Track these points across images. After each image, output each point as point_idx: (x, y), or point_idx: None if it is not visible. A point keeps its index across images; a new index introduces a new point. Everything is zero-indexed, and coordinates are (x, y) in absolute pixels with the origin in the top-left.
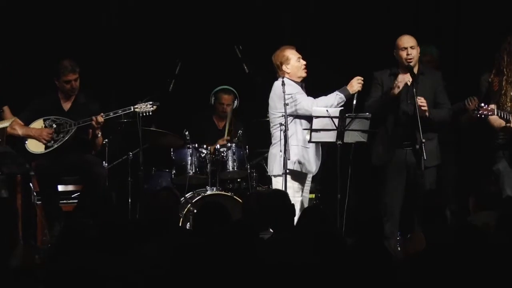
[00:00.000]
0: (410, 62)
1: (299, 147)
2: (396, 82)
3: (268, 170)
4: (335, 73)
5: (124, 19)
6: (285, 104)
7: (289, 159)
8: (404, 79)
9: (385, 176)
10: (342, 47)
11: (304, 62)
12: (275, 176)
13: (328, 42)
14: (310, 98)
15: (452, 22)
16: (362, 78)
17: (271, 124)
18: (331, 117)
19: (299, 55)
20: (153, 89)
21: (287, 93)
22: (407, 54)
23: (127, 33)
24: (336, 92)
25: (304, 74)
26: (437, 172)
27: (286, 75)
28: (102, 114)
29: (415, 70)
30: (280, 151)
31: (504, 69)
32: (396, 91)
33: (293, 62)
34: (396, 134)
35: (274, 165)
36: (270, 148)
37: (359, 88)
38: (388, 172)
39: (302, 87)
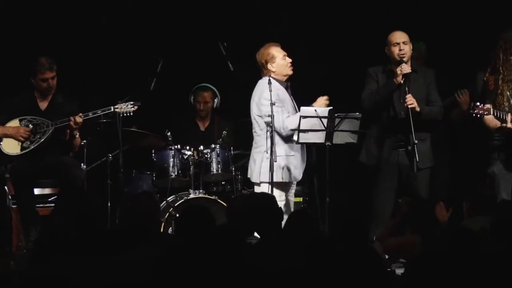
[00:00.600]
0: (403, 57)
1: (282, 157)
2: (399, 69)
3: (250, 176)
4: (328, 71)
5: (104, 16)
6: (272, 104)
7: (275, 161)
8: (408, 68)
9: (376, 177)
10: (335, 46)
11: (290, 60)
12: (258, 183)
13: (322, 41)
14: (282, 116)
15: (444, 18)
16: (328, 98)
17: (254, 127)
18: (320, 117)
19: (285, 53)
20: (134, 88)
21: (267, 99)
22: (400, 50)
23: (107, 30)
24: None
25: (290, 72)
26: (430, 174)
27: (272, 74)
28: (80, 114)
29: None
30: (266, 153)
31: (500, 68)
32: (399, 79)
33: (279, 60)
34: (389, 134)
35: (258, 172)
36: (252, 152)
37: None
38: (380, 173)
39: (287, 87)
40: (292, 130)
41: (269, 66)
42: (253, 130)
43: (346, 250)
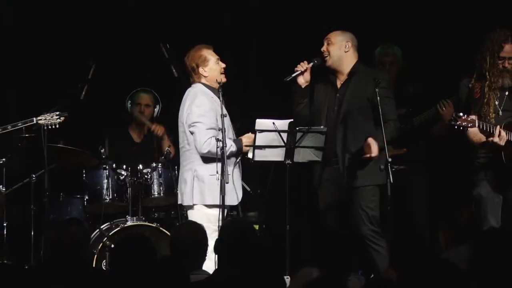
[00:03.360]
0: (325, 59)
1: (215, 176)
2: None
3: (181, 201)
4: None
5: (27, 15)
6: (223, 115)
7: (227, 183)
8: (303, 65)
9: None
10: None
11: (224, 65)
12: (191, 206)
13: (276, 42)
14: (207, 135)
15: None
16: (253, 137)
17: (181, 141)
18: (278, 131)
19: (218, 57)
20: (61, 97)
21: (192, 113)
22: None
23: (30, 32)
24: (231, 142)
25: (224, 79)
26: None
27: (203, 80)
28: None
29: (343, 70)
30: (217, 173)
31: (487, 73)
32: (300, 79)
33: (212, 64)
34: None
35: (190, 193)
36: (181, 172)
37: (246, 149)
38: (320, 194)
39: (219, 95)
40: (210, 153)
41: (200, 70)
42: (181, 145)
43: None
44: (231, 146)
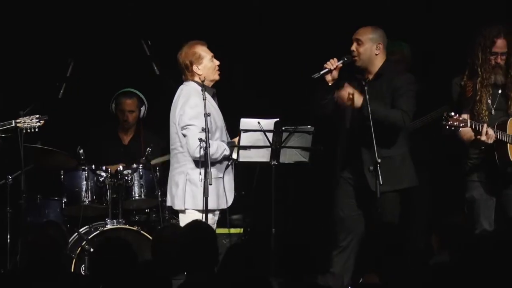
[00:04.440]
0: (354, 57)
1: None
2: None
3: (171, 204)
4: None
5: (1, 9)
6: (206, 114)
7: (210, 184)
8: (332, 63)
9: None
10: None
11: (218, 63)
12: (183, 211)
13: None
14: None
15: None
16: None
17: (173, 143)
18: (264, 131)
19: (212, 54)
20: (38, 96)
21: (184, 114)
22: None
23: (5, 28)
24: (225, 145)
25: (217, 77)
26: (403, 198)
27: (196, 78)
28: None
29: (372, 70)
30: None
31: (479, 69)
32: (328, 77)
33: (206, 62)
34: (344, 152)
35: (182, 197)
36: (172, 174)
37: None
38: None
39: (214, 94)
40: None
41: (194, 68)
42: (173, 147)
43: None
44: (224, 150)
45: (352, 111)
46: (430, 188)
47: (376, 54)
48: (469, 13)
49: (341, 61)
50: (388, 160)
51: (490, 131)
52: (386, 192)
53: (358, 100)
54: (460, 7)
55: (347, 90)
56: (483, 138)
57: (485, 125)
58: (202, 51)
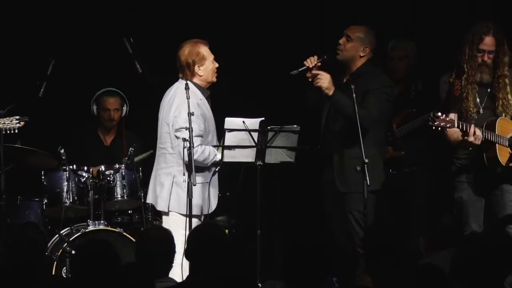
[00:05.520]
0: (337, 51)
1: (197, 185)
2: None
3: (154, 203)
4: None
5: None
6: (190, 114)
7: (194, 185)
8: (312, 61)
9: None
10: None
11: (217, 65)
12: (167, 213)
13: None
14: (195, 143)
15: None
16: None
17: (163, 142)
18: (248, 130)
19: (213, 55)
20: (18, 95)
21: (179, 116)
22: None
23: None
24: (215, 151)
25: (215, 80)
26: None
27: (196, 78)
28: None
29: (351, 68)
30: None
31: (465, 65)
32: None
33: (208, 64)
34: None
35: (167, 198)
36: (157, 173)
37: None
38: (324, 201)
39: (208, 97)
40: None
41: (196, 68)
42: (162, 146)
43: None
44: (215, 156)
45: (329, 110)
46: (429, 190)
47: (361, 56)
48: (469, 13)
49: (321, 59)
50: (356, 160)
51: (478, 132)
52: (353, 192)
53: (325, 81)
54: (460, 7)
55: (318, 71)
56: (471, 139)
57: (473, 125)
58: (206, 52)
